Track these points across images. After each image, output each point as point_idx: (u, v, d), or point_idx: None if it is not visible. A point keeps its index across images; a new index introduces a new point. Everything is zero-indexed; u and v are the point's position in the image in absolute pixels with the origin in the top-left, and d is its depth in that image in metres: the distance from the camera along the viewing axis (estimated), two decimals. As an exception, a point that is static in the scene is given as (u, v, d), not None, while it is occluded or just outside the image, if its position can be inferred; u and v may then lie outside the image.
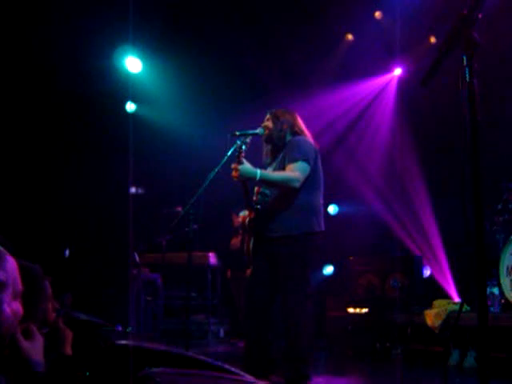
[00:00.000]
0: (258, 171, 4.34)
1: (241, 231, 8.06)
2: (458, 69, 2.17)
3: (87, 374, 2.08)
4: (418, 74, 8.00)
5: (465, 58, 2.15)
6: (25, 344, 1.76)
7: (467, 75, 2.15)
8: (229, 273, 8.43)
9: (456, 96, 2.20)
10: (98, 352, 2.41)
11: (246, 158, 4.43)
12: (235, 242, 8.28)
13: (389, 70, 9.15)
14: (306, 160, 4.40)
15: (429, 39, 8.59)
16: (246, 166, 4.34)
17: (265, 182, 4.47)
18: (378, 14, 8.75)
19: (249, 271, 7.79)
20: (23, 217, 8.17)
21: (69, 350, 2.34)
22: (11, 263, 1.69)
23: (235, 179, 4.38)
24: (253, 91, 8.78)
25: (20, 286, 1.72)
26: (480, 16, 2.15)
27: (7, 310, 1.64)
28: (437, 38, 8.48)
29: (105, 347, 2.36)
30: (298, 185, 4.35)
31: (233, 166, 4.37)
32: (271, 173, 4.50)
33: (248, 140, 4.48)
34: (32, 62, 8.11)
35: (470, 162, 2.09)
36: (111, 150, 8.64)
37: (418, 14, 7.93)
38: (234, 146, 4.44)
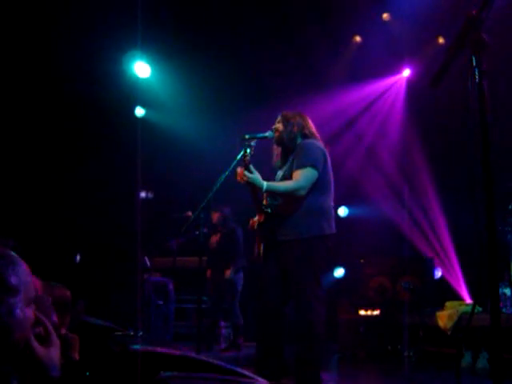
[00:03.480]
0: (265, 184, 4.37)
1: (219, 228, 7.97)
2: (467, 69, 2.16)
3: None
4: (427, 74, 7.98)
5: (474, 58, 2.15)
6: (39, 349, 1.76)
7: (476, 76, 2.14)
8: (208, 273, 8.17)
9: (465, 97, 2.19)
10: (111, 356, 2.41)
11: (256, 160, 4.46)
12: (213, 240, 8.08)
13: (397, 71, 9.14)
14: (313, 165, 4.41)
15: (437, 40, 8.57)
16: (255, 176, 4.37)
17: (271, 193, 4.51)
18: (385, 16, 8.75)
19: (228, 272, 7.74)
20: (34, 224, 8.20)
21: (76, 355, 2.36)
22: (24, 268, 1.70)
23: (241, 183, 4.42)
24: (262, 95, 8.77)
25: (33, 292, 1.72)
26: (488, 16, 2.15)
27: (20, 314, 1.65)
28: (445, 38, 8.46)
29: (119, 352, 2.37)
30: (303, 193, 4.38)
31: (238, 170, 4.40)
32: (277, 184, 4.53)
33: (253, 143, 4.51)
34: (42, 66, 8.15)
35: (480, 163, 2.09)
36: (121, 155, 8.66)
37: (426, 15, 7.91)
38: (243, 150, 4.47)
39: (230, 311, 8.00)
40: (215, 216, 7.91)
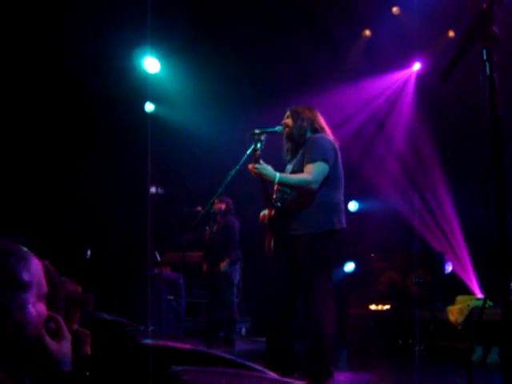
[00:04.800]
0: (277, 175, 4.38)
1: (218, 219, 7.86)
2: (477, 63, 2.15)
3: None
4: (437, 68, 7.95)
5: (484, 52, 2.14)
6: (51, 344, 1.77)
7: (487, 69, 2.13)
8: (205, 266, 8.06)
9: (476, 90, 2.18)
10: (123, 351, 2.43)
11: (265, 154, 4.46)
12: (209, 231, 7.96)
13: (407, 65, 9.10)
14: (324, 160, 4.41)
15: (447, 33, 8.52)
16: (267, 167, 4.39)
17: (283, 185, 4.51)
18: (395, 10, 8.71)
19: (223, 264, 7.67)
20: (45, 219, 8.24)
21: (88, 350, 2.37)
22: (36, 264, 1.71)
23: (253, 175, 4.44)
24: (272, 89, 8.77)
25: (45, 288, 1.73)
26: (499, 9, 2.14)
27: (32, 310, 1.66)
28: (455, 31, 8.42)
29: (130, 346, 2.38)
30: (315, 186, 4.37)
31: (249, 166, 4.42)
32: (289, 176, 4.52)
33: (263, 138, 4.51)
34: (52, 62, 8.18)
35: (491, 156, 2.08)
36: (131, 151, 8.69)
37: (436, 9, 7.87)
38: (253, 145, 4.48)
39: (226, 305, 7.93)
40: (217, 206, 7.80)
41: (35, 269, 1.70)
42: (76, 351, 2.21)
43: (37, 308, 1.68)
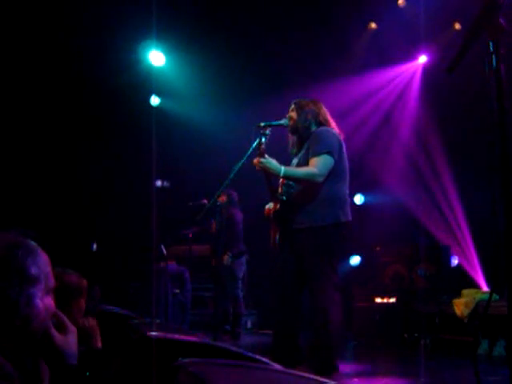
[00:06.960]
0: (282, 168, 4.38)
1: (222, 211, 7.83)
2: (484, 55, 2.14)
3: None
4: (444, 60, 7.92)
5: (491, 43, 2.13)
6: (58, 337, 1.78)
7: (494, 61, 2.12)
8: (213, 262, 8.03)
9: (482, 83, 2.17)
10: (129, 344, 2.43)
11: (271, 148, 4.46)
12: (214, 225, 7.85)
13: (414, 57, 9.07)
14: (329, 153, 4.40)
15: (453, 25, 8.49)
16: (272, 161, 4.38)
17: (288, 178, 4.51)
18: (401, 2, 8.67)
19: (225, 257, 7.67)
20: (51, 212, 8.26)
21: (98, 343, 2.38)
22: (43, 258, 1.71)
23: (258, 169, 4.43)
24: (277, 82, 8.75)
25: (52, 282, 1.73)
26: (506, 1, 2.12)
27: (40, 304, 1.66)
28: (461, 24, 8.38)
29: (136, 339, 2.39)
30: (321, 179, 4.37)
31: (254, 160, 4.42)
32: (295, 169, 4.52)
33: (268, 131, 4.51)
34: (57, 55, 8.18)
35: (498, 149, 2.07)
36: (136, 144, 8.69)
37: (442, 0, 7.84)
38: (259, 138, 4.48)
39: (231, 299, 7.92)
40: (221, 198, 7.74)
41: (43, 262, 1.70)
42: (86, 344, 2.22)
43: (44, 302, 1.68)
